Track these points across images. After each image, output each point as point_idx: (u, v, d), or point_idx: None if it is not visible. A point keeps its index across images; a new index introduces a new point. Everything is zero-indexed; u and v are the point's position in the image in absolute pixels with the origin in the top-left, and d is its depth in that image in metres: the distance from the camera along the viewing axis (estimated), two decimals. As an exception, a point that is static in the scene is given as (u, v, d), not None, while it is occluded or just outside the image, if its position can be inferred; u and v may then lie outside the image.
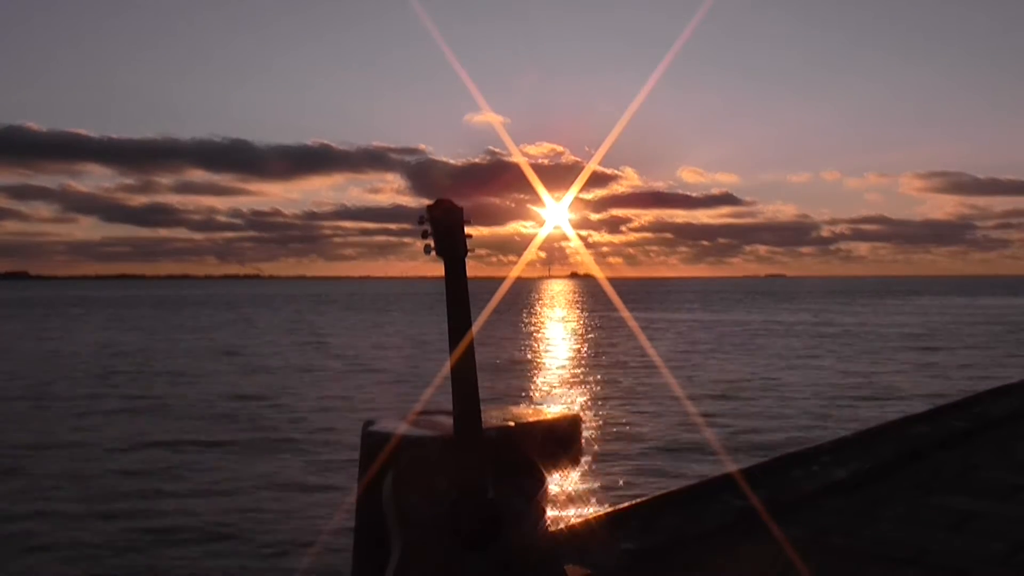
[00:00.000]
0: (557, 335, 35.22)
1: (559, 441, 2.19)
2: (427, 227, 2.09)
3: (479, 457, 1.97)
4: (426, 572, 1.92)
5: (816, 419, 13.48)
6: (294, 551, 6.98)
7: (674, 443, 11.43)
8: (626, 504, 3.61)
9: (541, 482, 2.15)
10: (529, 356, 25.04)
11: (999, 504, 3.76)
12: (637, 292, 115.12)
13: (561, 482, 8.50)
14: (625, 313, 52.99)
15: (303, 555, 6.89)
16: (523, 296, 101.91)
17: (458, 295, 2.06)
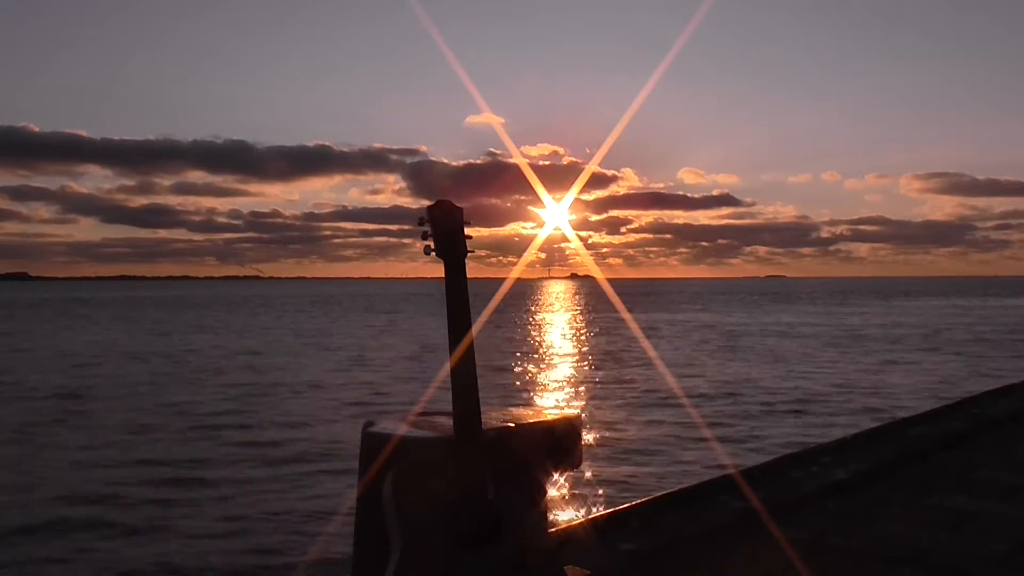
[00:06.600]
0: (556, 336, 35.21)
1: (559, 442, 2.19)
2: (427, 228, 2.09)
3: (479, 458, 1.97)
4: (426, 573, 1.92)
5: (816, 420, 13.47)
6: (294, 552, 6.98)
7: (674, 443, 11.42)
8: (626, 504, 3.61)
9: (541, 483, 2.15)
10: (528, 357, 25.03)
11: (999, 504, 3.76)
12: (637, 293, 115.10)
13: (561, 483, 8.50)
14: (625, 314, 52.96)
15: (303, 556, 6.88)
16: (523, 297, 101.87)
17: (458, 296, 2.07)
